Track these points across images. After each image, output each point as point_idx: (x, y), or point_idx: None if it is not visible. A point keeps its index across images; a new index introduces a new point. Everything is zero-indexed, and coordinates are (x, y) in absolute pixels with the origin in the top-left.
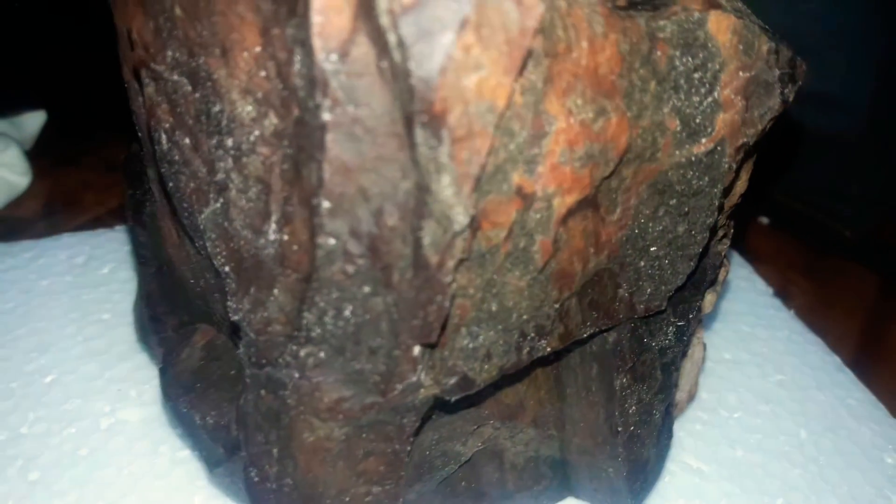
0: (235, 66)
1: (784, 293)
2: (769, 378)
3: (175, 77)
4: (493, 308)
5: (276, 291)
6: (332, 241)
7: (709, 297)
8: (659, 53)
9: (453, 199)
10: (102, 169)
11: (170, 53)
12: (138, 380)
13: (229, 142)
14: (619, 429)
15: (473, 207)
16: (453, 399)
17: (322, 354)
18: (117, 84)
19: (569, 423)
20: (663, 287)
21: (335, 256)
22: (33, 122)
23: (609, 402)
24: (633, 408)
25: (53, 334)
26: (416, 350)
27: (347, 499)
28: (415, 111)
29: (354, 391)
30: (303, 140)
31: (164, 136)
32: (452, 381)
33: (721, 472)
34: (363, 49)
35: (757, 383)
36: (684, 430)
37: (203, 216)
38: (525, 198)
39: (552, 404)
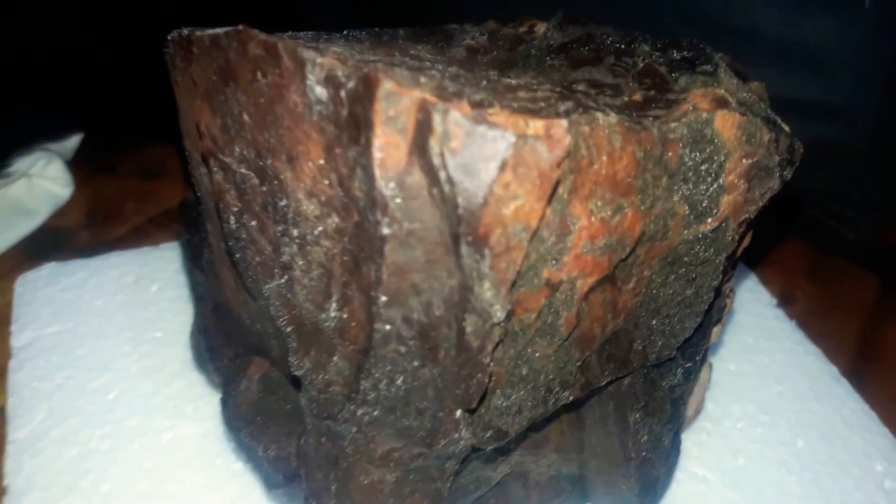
0: (301, 172)
1: (787, 297)
2: (770, 389)
3: (243, 170)
4: (524, 372)
5: (335, 358)
6: (387, 327)
7: (715, 329)
8: (670, 154)
9: (493, 299)
10: (138, 177)
11: (238, 149)
12: (193, 397)
13: (294, 231)
14: (633, 455)
15: (510, 304)
16: (489, 448)
17: (376, 413)
18: (148, 94)
19: (587, 448)
20: (673, 339)
21: (390, 338)
22: (72, 139)
23: (623, 434)
24: (645, 437)
25: (111, 353)
26: (458, 413)
27: None
28: (461, 232)
29: (404, 443)
30: (363, 242)
31: (232, 218)
32: (488, 434)
33: (724, 480)
34: (416, 178)
35: (758, 394)
36: (690, 440)
37: (268, 286)
38: (552, 286)
39: (572, 433)
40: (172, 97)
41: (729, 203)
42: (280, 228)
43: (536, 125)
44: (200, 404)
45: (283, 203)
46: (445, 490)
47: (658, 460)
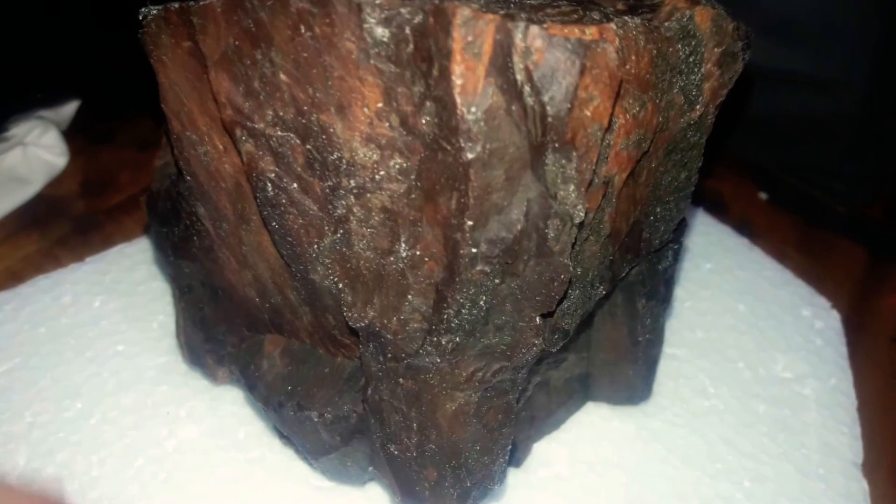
0: (355, 120)
1: (780, 263)
2: (701, 269)
3: (279, 133)
4: (578, 272)
5: (409, 297)
6: (473, 250)
7: None
8: (670, 49)
9: (576, 201)
10: (135, 147)
11: (270, 113)
12: (182, 399)
13: (351, 182)
14: (640, 339)
15: (585, 203)
16: (554, 350)
17: (457, 339)
18: (146, 64)
19: (594, 343)
20: (671, 223)
21: (475, 261)
22: (68, 107)
23: (632, 321)
24: (649, 320)
25: (77, 377)
26: (538, 320)
27: (478, 447)
28: (548, 140)
29: (486, 361)
30: (436, 174)
31: (269, 185)
32: (555, 336)
33: (691, 353)
34: (495, 99)
35: (692, 275)
36: None
37: (315, 247)
38: (606, 184)
39: (582, 331)
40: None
41: (709, 89)
42: (330, 184)
43: (591, 31)
44: (193, 404)
45: (335, 156)
46: (514, 402)
47: (658, 340)
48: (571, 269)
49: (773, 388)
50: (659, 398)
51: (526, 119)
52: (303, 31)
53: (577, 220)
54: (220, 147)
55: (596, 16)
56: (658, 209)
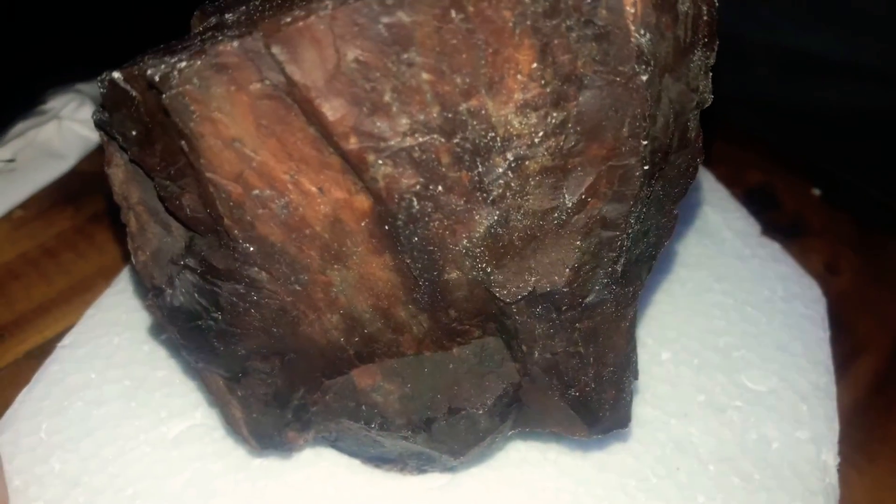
0: (508, 90)
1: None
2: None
3: (420, 139)
4: None
5: (577, 242)
6: (646, 168)
7: None
8: None
9: (709, 85)
10: None
11: (405, 121)
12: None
13: (508, 156)
14: None
15: None
16: None
17: (626, 259)
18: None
19: None
20: None
21: (646, 176)
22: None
23: None
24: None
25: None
26: (675, 210)
27: (634, 346)
28: (698, 38)
29: (642, 268)
30: (601, 110)
31: (413, 200)
32: None
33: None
34: (654, 17)
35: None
36: None
37: (465, 242)
38: None
39: None
40: None
41: None
42: (480, 169)
43: None
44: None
45: (489, 137)
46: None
47: None
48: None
49: None
50: None
51: (675, 26)
52: (453, 15)
53: (707, 104)
54: (313, 189)
55: None
56: None
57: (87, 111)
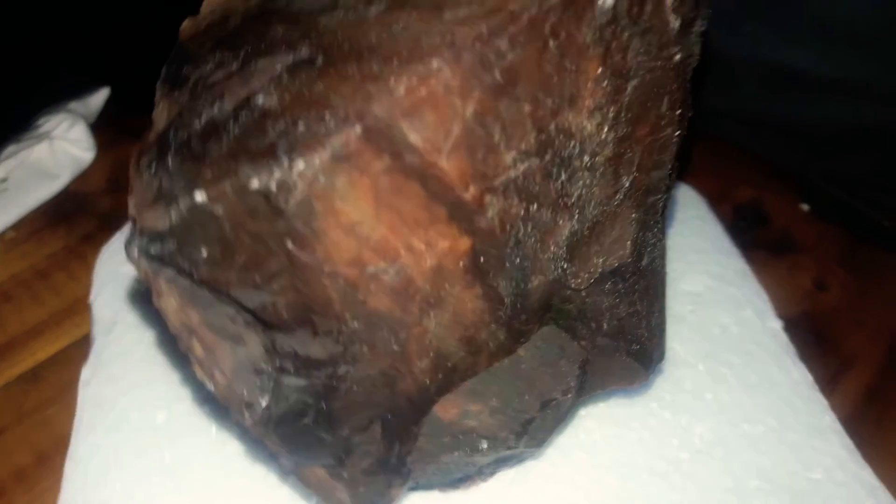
0: (582, 100)
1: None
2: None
3: (522, 168)
4: None
5: (633, 216)
6: (677, 132)
7: None
8: None
9: (698, 54)
10: None
11: (511, 155)
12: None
13: (585, 158)
14: None
15: None
16: None
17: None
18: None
19: None
20: None
21: (677, 140)
22: (97, 96)
23: None
24: None
25: None
26: None
27: None
28: (699, 12)
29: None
30: (645, 95)
31: (520, 224)
32: None
33: None
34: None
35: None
36: None
37: (553, 249)
38: None
39: None
40: None
41: None
42: (563, 179)
43: None
44: None
45: (571, 145)
46: None
47: None
48: None
49: None
50: None
51: (683, 6)
52: (551, 44)
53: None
54: (421, 247)
55: None
56: None
57: (78, 131)
